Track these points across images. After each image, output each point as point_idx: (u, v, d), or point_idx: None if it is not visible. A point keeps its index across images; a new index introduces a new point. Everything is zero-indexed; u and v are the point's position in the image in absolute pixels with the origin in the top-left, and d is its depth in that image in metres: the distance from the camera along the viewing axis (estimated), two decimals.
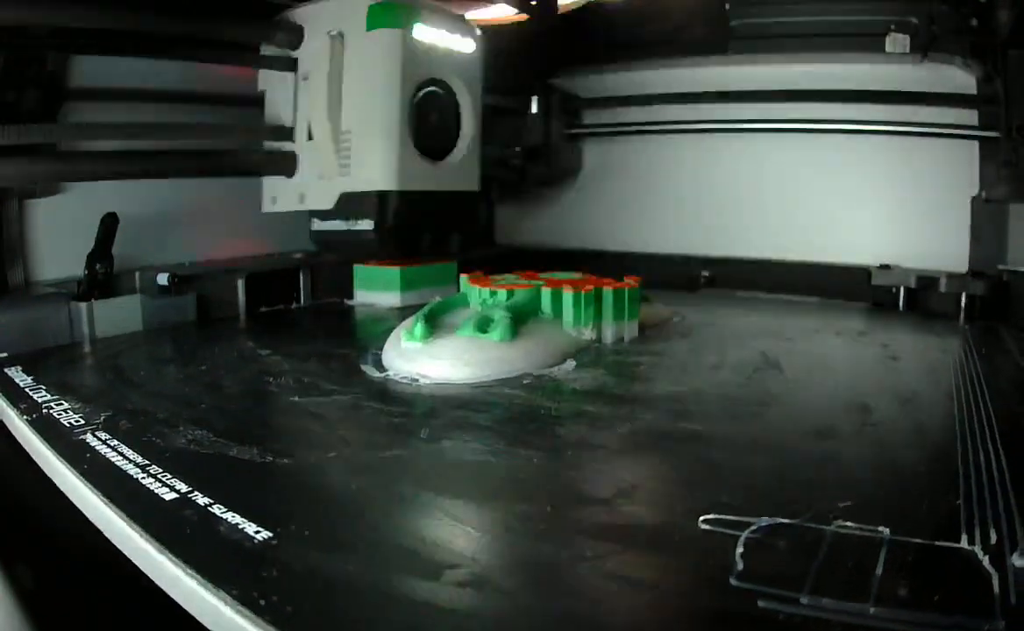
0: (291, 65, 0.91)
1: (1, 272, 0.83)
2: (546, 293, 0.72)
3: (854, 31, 1.05)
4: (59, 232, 0.87)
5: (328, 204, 0.87)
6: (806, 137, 1.13)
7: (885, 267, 1.04)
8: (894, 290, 1.03)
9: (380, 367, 0.64)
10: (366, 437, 0.47)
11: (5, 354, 0.73)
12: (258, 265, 0.98)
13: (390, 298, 0.98)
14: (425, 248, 0.94)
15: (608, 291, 0.72)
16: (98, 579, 0.39)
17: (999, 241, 1.00)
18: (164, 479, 0.40)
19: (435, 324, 0.67)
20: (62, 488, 0.43)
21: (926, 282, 1.00)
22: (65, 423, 0.51)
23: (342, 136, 0.85)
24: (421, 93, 0.86)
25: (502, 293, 0.72)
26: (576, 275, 0.79)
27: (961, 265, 1.02)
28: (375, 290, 1.00)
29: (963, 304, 0.98)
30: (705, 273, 1.20)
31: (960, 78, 1.02)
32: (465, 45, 0.90)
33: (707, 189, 1.22)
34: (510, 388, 0.57)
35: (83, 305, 0.78)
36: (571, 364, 0.64)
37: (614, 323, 0.73)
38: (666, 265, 1.22)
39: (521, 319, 0.69)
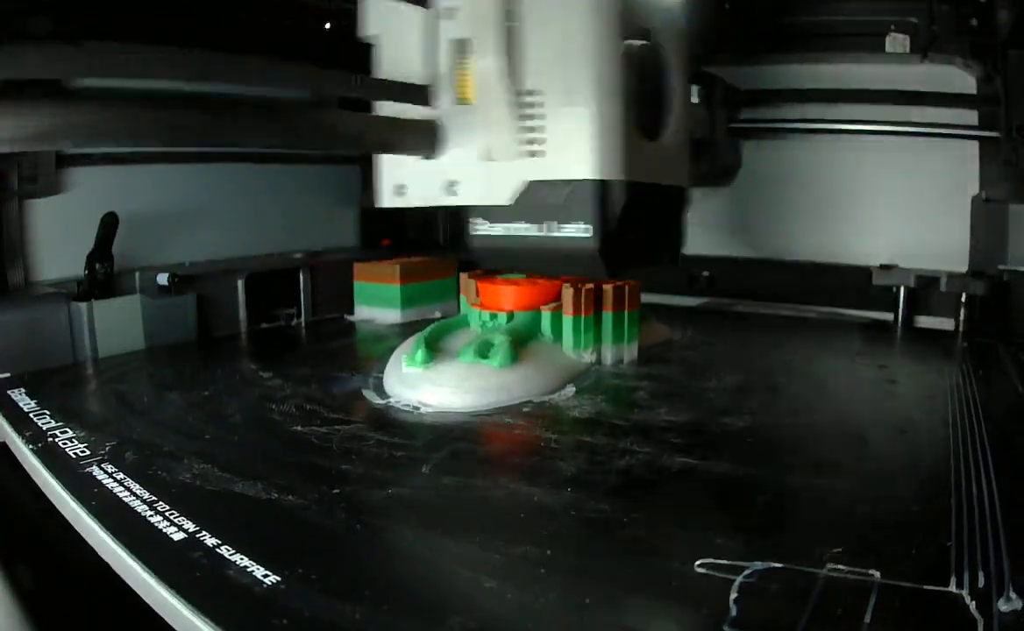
0: None
1: (1, 272, 0.84)
2: (546, 316, 0.73)
3: (854, 31, 1.05)
4: (59, 232, 0.88)
5: (503, 197, 0.61)
6: (805, 137, 1.14)
7: (885, 267, 1.05)
8: (894, 290, 1.04)
9: (381, 392, 0.65)
10: (368, 472, 0.48)
11: (8, 374, 0.74)
12: (258, 265, 0.99)
13: (391, 315, 0.99)
14: (642, 262, 0.70)
15: (608, 314, 0.74)
16: (97, 580, 0.40)
17: (999, 241, 1.01)
18: (172, 517, 0.41)
19: (435, 347, 0.69)
20: (72, 523, 0.44)
21: (926, 282, 1.02)
22: (71, 454, 0.52)
23: (527, 99, 0.59)
24: (634, 47, 0.61)
25: (502, 316, 0.73)
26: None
27: (961, 265, 1.03)
28: (375, 306, 1.01)
29: (963, 305, 0.99)
30: (705, 273, 1.21)
31: (960, 78, 1.03)
32: None
33: (705, 189, 1.23)
34: (511, 417, 0.59)
35: (83, 305, 0.80)
36: (571, 390, 0.65)
37: (613, 345, 0.75)
38: (665, 264, 1.23)
39: (521, 342, 0.70)
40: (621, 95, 0.58)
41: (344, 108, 0.71)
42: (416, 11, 0.64)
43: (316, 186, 1.19)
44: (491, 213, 0.62)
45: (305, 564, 0.36)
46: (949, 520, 0.41)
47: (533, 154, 0.59)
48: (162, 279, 0.89)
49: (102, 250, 0.83)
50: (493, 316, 0.73)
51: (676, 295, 1.24)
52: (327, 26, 1.03)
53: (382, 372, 0.70)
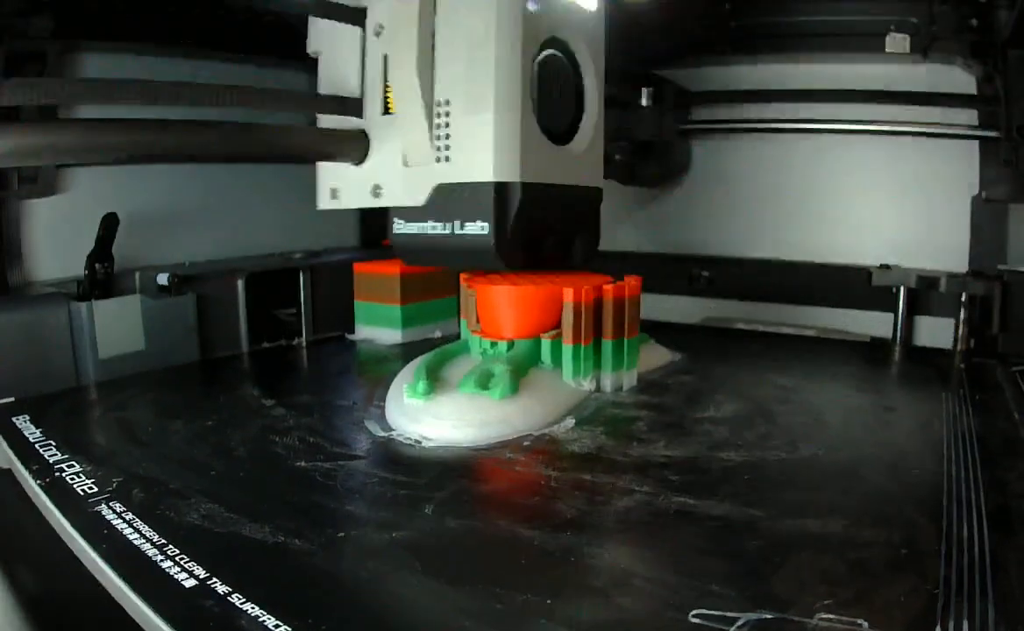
0: (356, 16, 0.72)
1: (1, 272, 0.86)
2: (546, 344, 0.75)
3: (854, 31, 1.07)
4: (59, 232, 0.91)
5: (417, 200, 0.68)
6: (805, 137, 1.16)
7: (885, 267, 1.07)
8: (894, 290, 1.06)
9: (383, 423, 0.67)
10: (373, 513, 0.50)
11: (11, 399, 0.76)
12: (258, 265, 1.02)
13: (391, 335, 1.01)
14: (547, 258, 0.74)
15: (608, 342, 0.75)
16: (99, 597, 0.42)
17: (999, 241, 1.04)
18: (182, 562, 0.43)
19: (436, 377, 0.70)
20: (85, 563, 0.46)
21: (926, 282, 1.04)
22: (79, 490, 0.54)
23: (438, 109, 0.66)
24: (542, 56, 0.67)
25: (502, 344, 0.75)
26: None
27: (961, 265, 1.06)
28: (376, 326, 1.03)
29: (963, 306, 1.01)
30: (704, 273, 1.23)
31: (960, 78, 1.05)
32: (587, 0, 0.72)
33: (706, 189, 1.25)
34: (511, 452, 0.61)
35: (83, 305, 0.82)
36: (571, 422, 0.67)
37: (613, 373, 0.76)
38: (664, 265, 1.25)
39: (521, 370, 0.72)
40: (522, 103, 0.65)
41: None
42: (353, 30, 0.72)
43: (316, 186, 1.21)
44: (407, 213, 0.70)
45: (315, 613, 0.38)
46: (938, 565, 0.43)
47: (442, 159, 0.67)
48: (162, 279, 0.91)
49: (102, 250, 0.85)
50: (493, 344, 0.75)
51: (676, 295, 1.26)
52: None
53: (383, 401, 0.72)
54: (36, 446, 0.63)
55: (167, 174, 1.01)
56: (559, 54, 0.70)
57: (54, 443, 0.64)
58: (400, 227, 0.72)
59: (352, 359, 0.97)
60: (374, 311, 1.03)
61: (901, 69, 1.07)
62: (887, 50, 1.04)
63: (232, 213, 1.09)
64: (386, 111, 0.71)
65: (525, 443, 0.62)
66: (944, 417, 0.70)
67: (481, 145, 0.64)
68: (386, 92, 0.71)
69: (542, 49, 0.68)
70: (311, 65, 1.14)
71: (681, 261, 1.25)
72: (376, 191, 0.72)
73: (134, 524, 0.48)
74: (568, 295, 0.73)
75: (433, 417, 0.64)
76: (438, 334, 1.04)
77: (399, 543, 0.45)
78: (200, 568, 0.43)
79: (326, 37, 0.75)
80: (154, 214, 0.98)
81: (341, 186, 0.75)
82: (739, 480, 0.55)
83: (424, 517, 0.49)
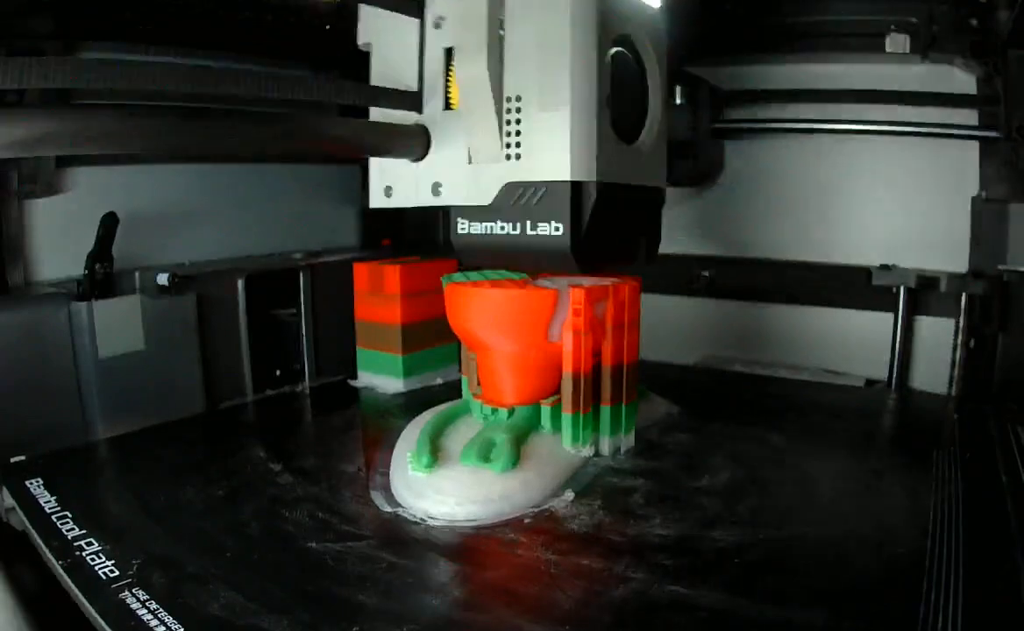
0: (415, 8, 0.71)
1: (1, 272, 0.89)
2: (546, 411, 0.79)
3: (853, 31, 1.10)
4: (59, 232, 0.93)
5: (484, 198, 0.68)
6: (804, 137, 1.19)
7: (885, 267, 1.11)
8: (894, 290, 1.10)
9: (389, 496, 0.71)
10: (384, 603, 0.54)
11: (23, 457, 0.80)
12: (258, 265, 1.06)
13: (393, 383, 1.06)
14: (617, 259, 0.76)
15: (606, 408, 0.80)
16: None
17: (999, 241, 1.06)
18: None
19: (438, 446, 0.75)
20: None
21: (926, 282, 1.08)
22: (100, 574, 0.58)
23: (508, 105, 0.66)
24: (612, 53, 0.68)
25: (503, 412, 0.79)
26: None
27: (961, 265, 1.09)
28: (378, 373, 1.07)
29: (963, 305, 1.05)
30: (705, 273, 1.27)
31: (960, 78, 1.08)
32: None
33: (705, 188, 1.28)
34: (512, 531, 0.65)
35: (83, 305, 0.86)
36: (570, 495, 0.71)
37: (611, 437, 0.81)
38: (664, 264, 1.28)
39: (522, 436, 0.76)
40: (596, 100, 0.65)
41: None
42: (407, 21, 0.72)
43: (317, 186, 1.25)
44: (472, 213, 0.70)
45: None
46: None
47: (511, 157, 0.67)
48: (162, 279, 0.94)
49: (102, 250, 0.88)
50: (494, 411, 0.79)
51: (676, 295, 1.29)
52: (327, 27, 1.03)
53: (387, 467, 0.76)
54: (53, 517, 0.67)
55: (167, 174, 1.04)
56: (626, 52, 0.72)
57: (70, 515, 0.67)
58: (464, 227, 0.70)
59: (355, 412, 1.01)
60: (376, 359, 1.07)
61: (901, 69, 1.10)
62: (887, 50, 1.07)
63: (233, 213, 1.12)
64: (447, 106, 0.70)
65: (526, 521, 0.67)
66: (933, 483, 0.74)
67: (556, 143, 0.64)
68: (447, 86, 0.70)
69: (612, 46, 0.68)
70: (317, 65, 1.14)
71: (680, 262, 1.27)
72: (436, 189, 0.71)
73: (159, 614, 0.52)
74: (568, 365, 0.77)
75: (436, 493, 0.68)
76: (439, 381, 1.09)
77: None
78: None
79: (378, 29, 0.74)
80: (154, 214, 1.01)
81: (396, 184, 0.74)
82: (729, 564, 0.60)
83: (431, 608, 0.54)
